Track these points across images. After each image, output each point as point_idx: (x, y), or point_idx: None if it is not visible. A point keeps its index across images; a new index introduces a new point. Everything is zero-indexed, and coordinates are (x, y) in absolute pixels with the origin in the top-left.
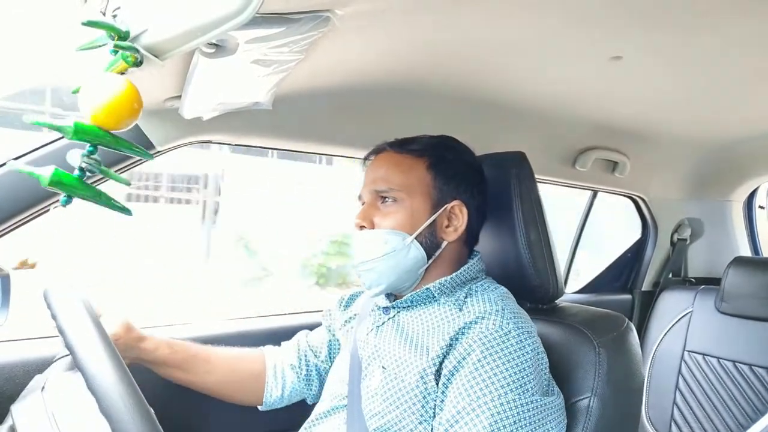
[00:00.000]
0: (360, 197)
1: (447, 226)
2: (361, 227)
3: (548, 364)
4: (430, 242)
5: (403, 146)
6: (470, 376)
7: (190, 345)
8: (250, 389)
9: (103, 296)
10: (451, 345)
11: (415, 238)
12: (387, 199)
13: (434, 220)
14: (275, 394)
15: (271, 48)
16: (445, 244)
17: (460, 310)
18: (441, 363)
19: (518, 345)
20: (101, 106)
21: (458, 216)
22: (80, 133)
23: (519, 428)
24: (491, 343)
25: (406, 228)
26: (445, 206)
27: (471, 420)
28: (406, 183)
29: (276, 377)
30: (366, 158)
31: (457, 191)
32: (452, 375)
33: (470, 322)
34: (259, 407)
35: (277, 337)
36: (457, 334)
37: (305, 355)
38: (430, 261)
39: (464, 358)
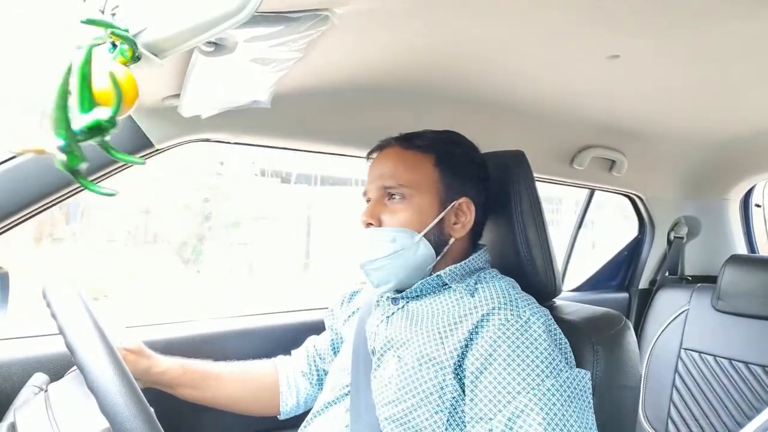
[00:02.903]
0: (365, 194)
1: (455, 223)
2: (368, 224)
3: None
4: (438, 239)
5: (409, 141)
6: (505, 373)
7: (202, 363)
8: (265, 402)
9: (117, 320)
10: (470, 339)
11: (424, 235)
12: (395, 195)
13: (442, 217)
14: (291, 402)
15: (270, 46)
16: (452, 240)
17: (472, 295)
18: (462, 358)
19: (540, 330)
20: (96, 93)
21: (466, 212)
22: None
23: (569, 406)
24: (515, 335)
25: (414, 226)
26: (453, 203)
27: (524, 421)
28: (413, 179)
29: (289, 387)
30: (370, 153)
31: (464, 188)
32: (480, 374)
33: (486, 314)
34: (279, 417)
35: (279, 334)
36: (476, 327)
37: (314, 361)
38: (439, 257)
39: (491, 355)
